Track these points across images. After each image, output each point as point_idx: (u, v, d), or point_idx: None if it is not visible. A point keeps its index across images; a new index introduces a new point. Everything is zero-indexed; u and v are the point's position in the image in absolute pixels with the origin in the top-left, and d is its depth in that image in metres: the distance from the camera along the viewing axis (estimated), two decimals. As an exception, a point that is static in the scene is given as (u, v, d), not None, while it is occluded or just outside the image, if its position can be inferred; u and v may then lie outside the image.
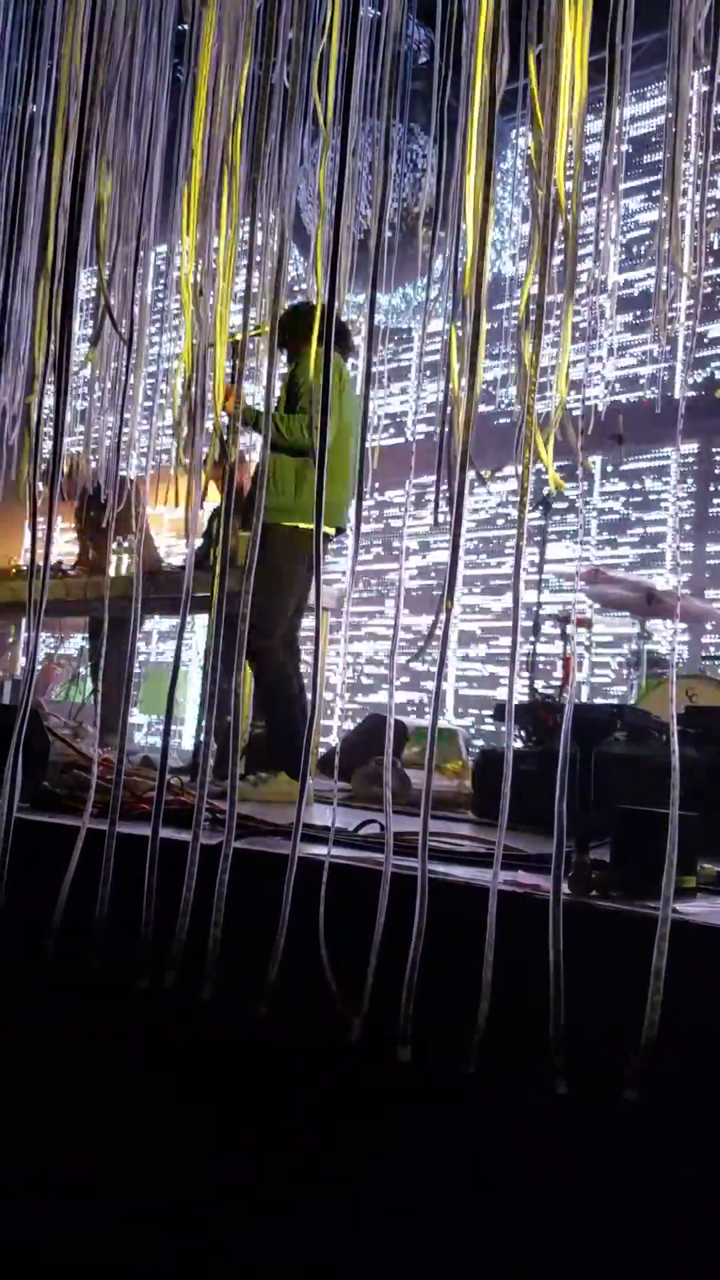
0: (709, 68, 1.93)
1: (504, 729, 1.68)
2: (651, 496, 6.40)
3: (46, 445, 2.16)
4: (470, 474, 1.68)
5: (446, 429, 1.77)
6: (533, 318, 1.71)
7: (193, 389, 2.11)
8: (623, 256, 6.12)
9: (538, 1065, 1.42)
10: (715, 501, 6.24)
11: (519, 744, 3.48)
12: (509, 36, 1.75)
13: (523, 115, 1.87)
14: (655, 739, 2.94)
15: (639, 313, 6.07)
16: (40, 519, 1.97)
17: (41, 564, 1.93)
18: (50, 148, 2.36)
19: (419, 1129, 1.63)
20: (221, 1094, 1.83)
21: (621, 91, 1.93)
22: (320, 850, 1.77)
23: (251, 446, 4.13)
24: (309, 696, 3.35)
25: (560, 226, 1.74)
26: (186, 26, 2.28)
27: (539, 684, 4.91)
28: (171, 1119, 1.87)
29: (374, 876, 1.63)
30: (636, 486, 6.45)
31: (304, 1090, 1.75)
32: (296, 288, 5.46)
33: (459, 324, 1.78)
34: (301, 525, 3.43)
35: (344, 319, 3.80)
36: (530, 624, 4.95)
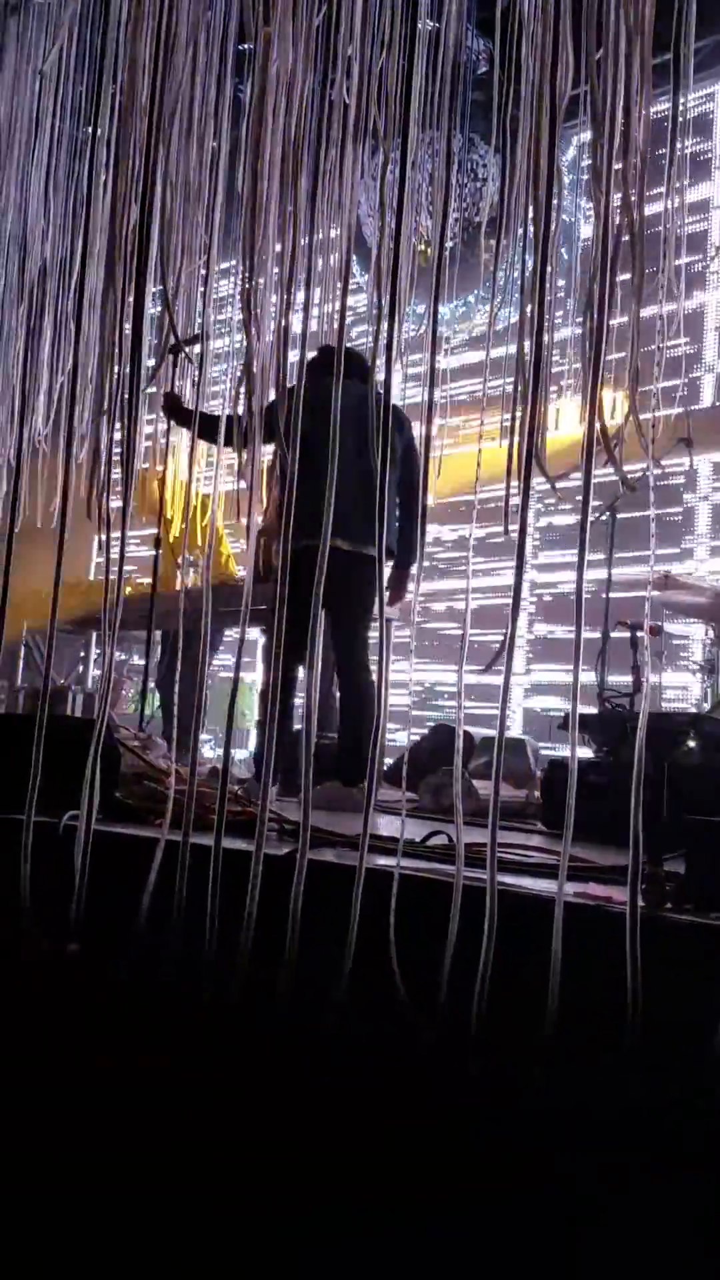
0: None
1: (573, 739, 1.67)
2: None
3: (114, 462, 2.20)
4: (541, 481, 1.68)
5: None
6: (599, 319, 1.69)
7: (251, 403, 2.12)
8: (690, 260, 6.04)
9: (609, 1077, 1.41)
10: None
11: (589, 754, 3.44)
12: (571, 42, 1.75)
13: (584, 122, 1.86)
14: (730, 748, 2.89)
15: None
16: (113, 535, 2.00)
17: (115, 580, 1.96)
18: (115, 170, 2.40)
19: (486, 1137, 1.62)
20: (290, 1103, 1.83)
21: (685, 92, 1.91)
22: (386, 861, 1.77)
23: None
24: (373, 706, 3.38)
25: (624, 230, 1.73)
26: (248, 47, 2.31)
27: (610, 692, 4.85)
28: (231, 1128, 1.88)
29: (439, 887, 1.62)
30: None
31: (372, 1100, 1.74)
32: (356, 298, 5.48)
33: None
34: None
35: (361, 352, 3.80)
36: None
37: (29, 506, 3.09)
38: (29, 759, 2.09)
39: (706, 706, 4.67)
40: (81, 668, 6.42)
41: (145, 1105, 2.00)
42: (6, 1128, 2.09)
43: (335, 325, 2.11)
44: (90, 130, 2.53)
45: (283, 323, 2.08)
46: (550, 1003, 1.45)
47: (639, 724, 1.58)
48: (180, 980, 1.84)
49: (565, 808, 1.55)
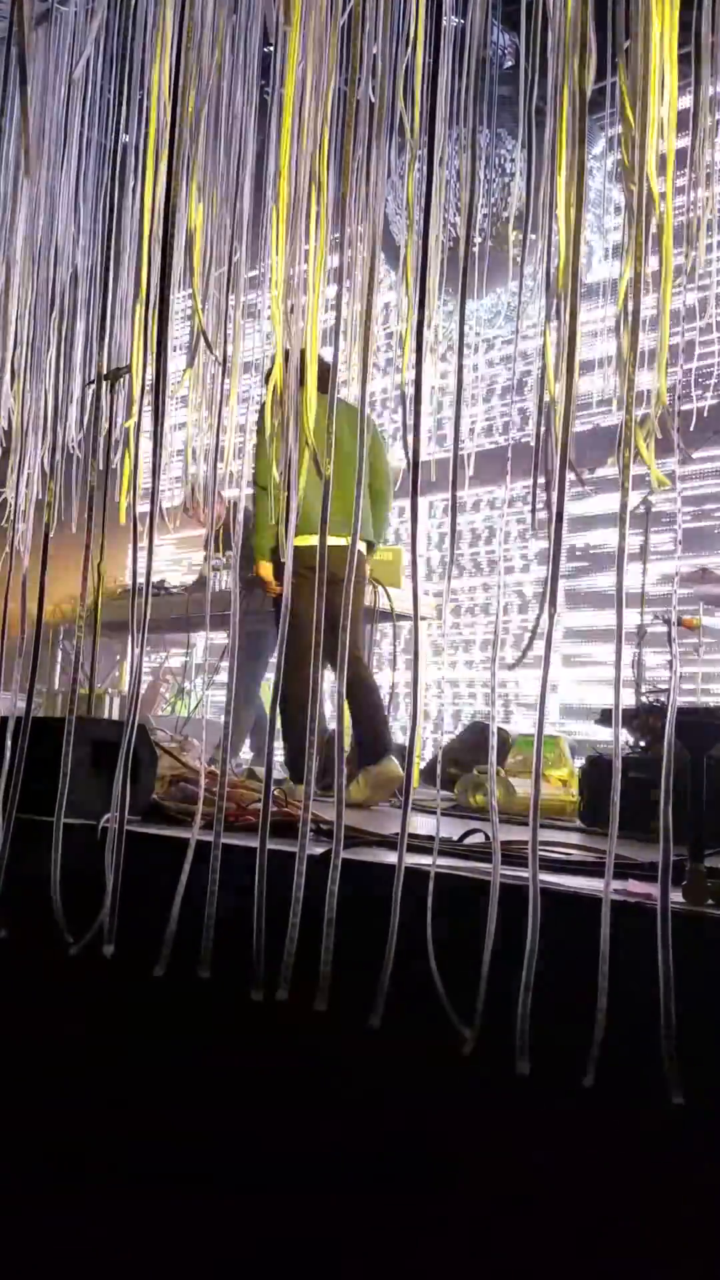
0: None
1: (610, 735, 1.65)
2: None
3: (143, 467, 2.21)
4: (570, 475, 1.66)
5: (544, 430, 1.76)
6: (629, 311, 1.68)
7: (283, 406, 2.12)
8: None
9: (655, 1077, 1.39)
10: None
11: (626, 749, 3.41)
12: (595, 35, 1.74)
13: (612, 114, 1.85)
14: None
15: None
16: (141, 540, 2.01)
17: (143, 582, 1.97)
18: (143, 176, 2.41)
19: (534, 1141, 1.61)
20: (331, 1106, 1.83)
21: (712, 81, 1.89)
22: (424, 860, 1.76)
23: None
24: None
25: (654, 220, 1.71)
26: (272, 48, 2.31)
27: (646, 688, 4.82)
28: (275, 1130, 1.88)
29: (476, 886, 1.61)
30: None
31: (416, 1103, 1.74)
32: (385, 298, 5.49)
33: (553, 323, 1.77)
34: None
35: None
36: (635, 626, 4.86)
37: (63, 512, 3.11)
38: (69, 762, 2.11)
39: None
40: (118, 671, 6.46)
41: (180, 1106, 2.01)
42: (42, 1126, 2.11)
43: (362, 325, 2.11)
44: (116, 137, 2.55)
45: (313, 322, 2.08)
46: (600, 1003, 1.44)
47: (668, 716, 1.56)
48: (220, 982, 1.85)
49: (610, 803, 1.54)
